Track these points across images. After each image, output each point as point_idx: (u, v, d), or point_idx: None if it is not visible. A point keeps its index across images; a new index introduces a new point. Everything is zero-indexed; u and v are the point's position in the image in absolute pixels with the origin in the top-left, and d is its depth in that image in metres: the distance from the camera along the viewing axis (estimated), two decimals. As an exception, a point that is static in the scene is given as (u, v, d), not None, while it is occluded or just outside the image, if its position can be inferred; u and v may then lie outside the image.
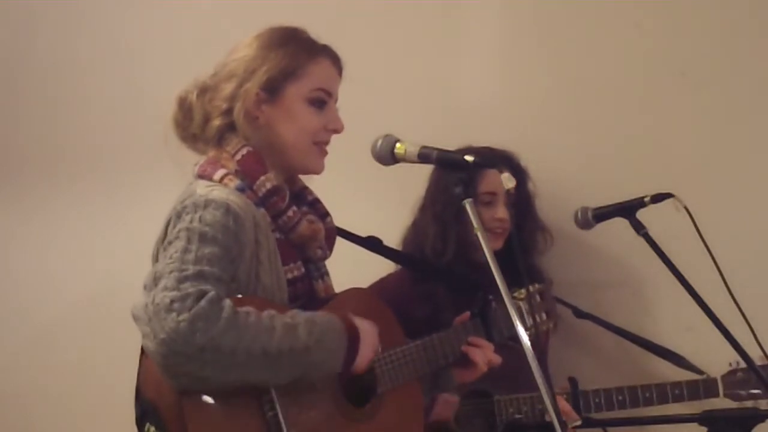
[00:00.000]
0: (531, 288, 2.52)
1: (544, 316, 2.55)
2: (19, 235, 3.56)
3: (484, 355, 2.35)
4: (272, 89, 2.15)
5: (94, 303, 3.45)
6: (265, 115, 2.15)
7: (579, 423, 2.59)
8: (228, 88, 2.15)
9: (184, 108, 2.19)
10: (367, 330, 2.10)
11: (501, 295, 1.98)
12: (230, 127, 2.16)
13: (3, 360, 3.53)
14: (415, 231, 2.95)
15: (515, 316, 1.98)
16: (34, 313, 3.52)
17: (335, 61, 2.22)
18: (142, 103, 3.41)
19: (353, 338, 2.05)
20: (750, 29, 3.09)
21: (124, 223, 3.44)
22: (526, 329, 2.45)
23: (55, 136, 3.52)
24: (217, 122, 2.16)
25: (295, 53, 2.17)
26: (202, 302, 1.83)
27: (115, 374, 3.30)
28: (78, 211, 3.50)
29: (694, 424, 2.62)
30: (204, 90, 2.19)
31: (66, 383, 3.46)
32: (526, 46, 3.25)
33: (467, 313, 2.40)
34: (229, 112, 2.15)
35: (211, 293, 1.85)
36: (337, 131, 2.22)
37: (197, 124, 2.18)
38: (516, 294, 2.42)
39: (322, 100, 2.19)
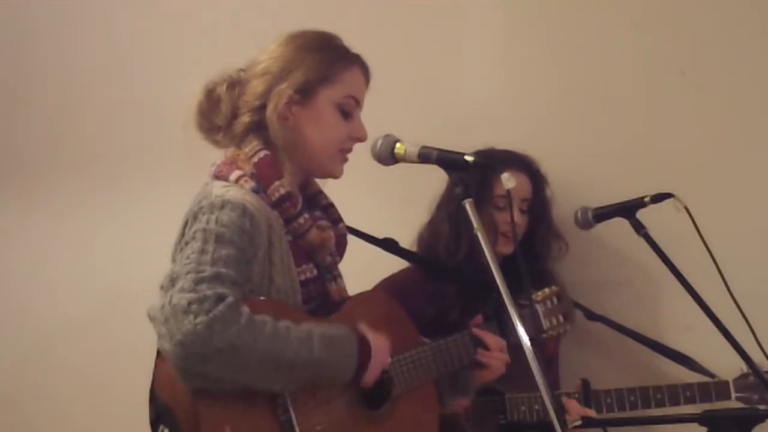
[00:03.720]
0: (548, 290, 2.53)
1: (561, 318, 2.55)
2: (19, 235, 3.56)
3: (496, 357, 2.34)
4: (305, 92, 2.15)
5: (95, 302, 3.45)
6: (295, 116, 2.16)
7: (579, 423, 2.59)
8: (261, 85, 2.16)
9: (212, 99, 2.19)
10: (379, 346, 2.10)
11: (507, 297, 1.98)
12: (258, 125, 2.16)
13: (2, 361, 3.53)
14: (431, 229, 2.95)
15: (515, 317, 1.98)
16: (34, 313, 3.52)
17: (365, 71, 2.24)
18: (141, 103, 3.42)
19: (364, 353, 2.07)
20: (750, 29, 3.09)
21: (124, 222, 3.45)
22: (543, 332, 2.46)
23: (54, 136, 3.53)
24: (246, 118, 2.16)
25: (332, 59, 2.18)
26: (221, 306, 1.84)
27: (116, 373, 3.33)
28: (77, 211, 3.51)
29: (694, 424, 2.62)
30: (233, 83, 2.19)
31: (66, 383, 3.46)
32: (527, 46, 3.25)
33: (479, 317, 2.40)
34: (259, 109, 2.15)
35: (230, 298, 1.86)
36: (360, 140, 2.22)
37: (224, 116, 2.18)
38: (534, 296, 2.43)
39: (350, 108, 2.20)
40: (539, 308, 2.47)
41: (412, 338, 2.28)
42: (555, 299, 2.54)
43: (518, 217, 2.86)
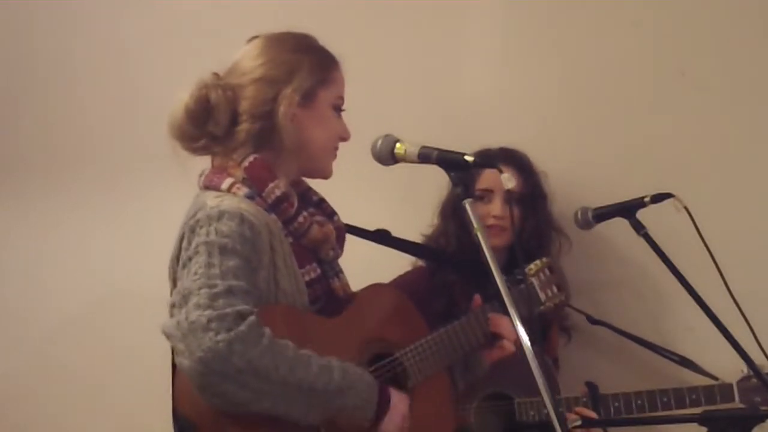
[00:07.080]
0: (540, 262, 2.53)
1: (555, 289, 2.55)
2: (16, 235, 3.55)
3: (510, 331, 2.32)
4: (307, 94, 2.15)
5: (92, 302, 3.44)
6: (298, 119, 2.15)
7: (579, 423, 2.59)
8: (264, 91, 2.12)
9: (207, 107, 2.13)
10: (399, 401, 2.08)
11: (504, 291, 1.98)
12: (260, 131, 2.12)
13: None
14: (433, 228, 2.99)
15: (515, 317, 1.97)
16: (31, 313, 3.51)
17: (340, 69, 2.24)
18: (138, 103, 3.41)
19: (384, 397, 2.05)
20: (750, 28, 3.09)
21: (122, 222, 3.44)
22: (540, 304, 2.47)
23: (52, 136, 3.52)
24: (247, 125, 2.12)
25: (324, 60, 2.19)
26: (243, 326, 1.84)
27: (113, 373, 3.32)
28: (75, 211, 3.50)
29: (694, 424, 2.62)
30: (225, 89, 2.14)
31: (63, 383, 3.45)
32: (527, 46, 3.25)
33: (477, 297, 2.40)
34: (265, 115, 2.12)
35: (252, 318, 1.85)
36: (346, 139, 2.24)
37: (220, 124, 2.13)
38: (528, 269, 2.43)
39: (341, 107, 2.22)
40: (534, 281, 2.48)
41: (421, 329, 2.29)
42: (547, 271, 2.55)
43: (503, 209, 2.84)
